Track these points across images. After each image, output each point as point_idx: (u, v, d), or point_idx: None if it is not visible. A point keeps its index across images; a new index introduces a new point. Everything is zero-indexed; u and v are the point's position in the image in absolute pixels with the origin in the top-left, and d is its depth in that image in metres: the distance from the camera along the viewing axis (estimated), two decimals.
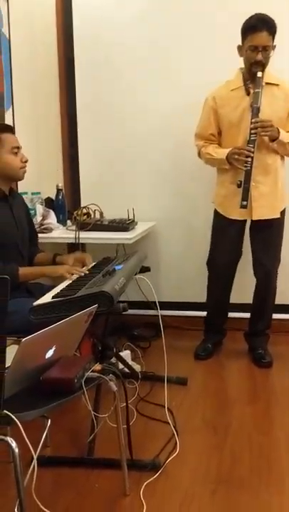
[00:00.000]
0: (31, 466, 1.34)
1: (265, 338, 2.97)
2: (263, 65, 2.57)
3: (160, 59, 3.22)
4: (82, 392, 1.48)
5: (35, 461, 1.34)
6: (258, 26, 2.51)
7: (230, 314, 3.06)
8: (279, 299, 2.99)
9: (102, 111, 3.36)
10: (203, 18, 3.11)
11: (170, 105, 3.21)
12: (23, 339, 1.33)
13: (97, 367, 1.62)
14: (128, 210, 3.02)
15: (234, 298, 3.01)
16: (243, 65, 2.67)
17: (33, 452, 1.32)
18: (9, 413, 1.30)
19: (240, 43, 2.62)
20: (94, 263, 2.36)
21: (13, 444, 1.32)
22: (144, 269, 2.43)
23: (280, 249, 2.85)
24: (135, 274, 2.25)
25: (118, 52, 3.28)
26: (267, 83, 2.62)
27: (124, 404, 1.81)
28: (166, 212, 3.31)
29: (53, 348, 1.50)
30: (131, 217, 3.00)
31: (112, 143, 3.37)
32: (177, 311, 3.32)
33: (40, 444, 1.46)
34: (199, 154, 2.84)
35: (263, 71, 2.56)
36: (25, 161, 2.27)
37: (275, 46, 2.58)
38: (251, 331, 3.00)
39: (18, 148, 2.24)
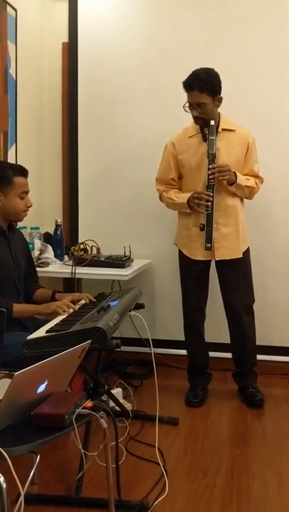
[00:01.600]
0: (18, 504, 1.33)
1: (253, 376, 2.96)
2: (202, 120, 2.68)
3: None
4: (73, 428, 1.48)
5: (22, 499, 1.33)
6: (189, 85, 2.65)
7: (218, 354, 3.07)
8: (267, 341, 3.02)
9: (102, 153, 3.45)
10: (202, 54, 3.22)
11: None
12: (16, 373, 1.34)
13: (88, 404, 1.62)
14: (124, 247, 3.07)
15: (222, 337, 3.01)
16: None
17: (20, 489, 1.31)
18: None
19: None
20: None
21: (1, 479, 1.31)
22: (139, 306, 2.45)
23: (248, 288, 2.88)
24: (129, 311, 2.27)
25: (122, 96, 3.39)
26: (223, 129, 2.74)
27: (114, 443, 1.80)
28: (162, 250, 3.35)
29: (45, 383, 1.50)
30: (127, 254, 3.05)
31: (112, 184, 3.45)
32: (171, 350, 3.32)
33: (28, 481, 1.45)
34: (161, 198, 2.91)
35: (206, 124, 2.66)
36: (29, 206, 2.32)
37: (219, 98, 2.69)
38: (238, 370, 3.00)
39: (27, 192, 2.31)
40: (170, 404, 2.80)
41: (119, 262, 2.92)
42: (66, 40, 3.44)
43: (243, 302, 2.88)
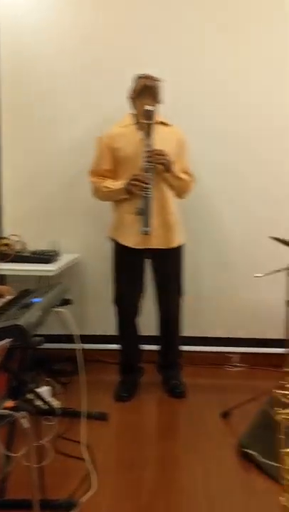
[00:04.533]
0: None
1: (177, 368, 3.01)
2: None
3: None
4: None
5: None
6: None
7: (149, 347, 3.08)
8: (193, 332, 3.07)
9: (27, 146, 3.34)
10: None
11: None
12: None
13: (10, 404, 1.56)
14: (52, 241, 3.00)
15: (146, 330, 3.03)
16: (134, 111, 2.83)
17: None
18: None
19: None
20: (12, 296, 2.30)
21: None
22: (66, 302, 2.40)
23: (179, 281, 2.92)
24: (55, 307, 2.22)
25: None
26: (160, 122, 2.77)
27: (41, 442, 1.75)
28: (92, 245, 3.31)
29: None
30: (55, 248, 2.98)
31: (38, 176, 3.36)
32: (102, 345, 3.30)
33: None
34: (95, 191, 2.88)
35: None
36: None
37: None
38: (163, 362, 3.03)
39: None
40: (101, 399, 2.78)
41: (45, 257, 2.85)
42: None
43: (174, 294, 2.91)
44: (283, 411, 1.16)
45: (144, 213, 2.64)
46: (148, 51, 3.15)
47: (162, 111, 2.82)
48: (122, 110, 2.86)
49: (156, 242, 2.78)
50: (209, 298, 3.35)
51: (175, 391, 2.88)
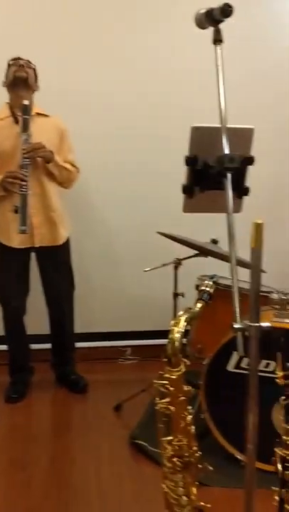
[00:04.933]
0: None
1: (73, 363, 3.01)
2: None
3: None
4: None
5: None
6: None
7: (39, 346, 3.04)
8: (85, 328, 3.08)
9: None
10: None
11: None
12: None
13: None
14: None
15: (35, 329, 2.98)
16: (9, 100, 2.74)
17: None
18: None
19: None
20: None
21: None
22: None
23: (68, 277, 2.91)
24: None
25: None
26: (37, 113, 2.70)
27: None
28: None
29: None
30: None
31: None
32: None
33: None
34: None
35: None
36: None
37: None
38: (58, 359, 3.01)
39: None
40: None
41: None
42: None
43: (64, 291, 2.89)
44: (162, 401, 1.21)
45: (21, 211, 2.53)
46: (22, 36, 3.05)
47: (40, 101, 2.74)
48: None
49: (41, 240, 2.72)
50: (98, 292, 3.37)
51: (78, 386, 2.88)
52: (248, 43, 3.24)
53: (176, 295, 2.69)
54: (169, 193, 3.36)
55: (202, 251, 2.58)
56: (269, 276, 2.48)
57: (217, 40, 1.54)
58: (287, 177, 3.45)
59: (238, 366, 2.11)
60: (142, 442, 2.26)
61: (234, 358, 2.12)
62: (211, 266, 2.55)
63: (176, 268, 2.67)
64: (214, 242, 2.61)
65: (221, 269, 2.09)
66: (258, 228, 1.23)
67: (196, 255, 2.63)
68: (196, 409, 2.26)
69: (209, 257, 2.65)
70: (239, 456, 2.11)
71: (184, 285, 2.66)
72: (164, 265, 2.65)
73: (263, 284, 2.60)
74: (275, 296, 2.25)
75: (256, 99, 3.25)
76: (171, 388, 1.19)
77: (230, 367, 2.14)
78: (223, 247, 2.39)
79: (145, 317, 3.40)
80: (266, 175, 3.11)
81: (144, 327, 3.40)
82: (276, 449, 1.28)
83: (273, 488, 1.31)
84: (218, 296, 2.48)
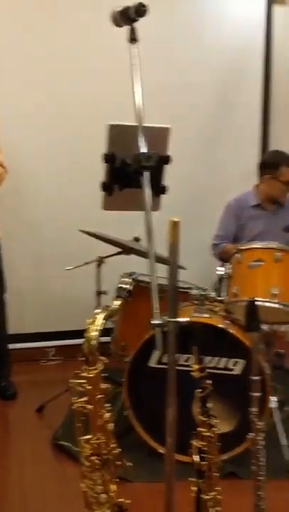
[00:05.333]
0: None
1: (8, 367, 2.92)
2: None
3: None
4: None
5: None
6: None
7: None
8: (10, 329, 3.01)
9: None
10: None
11: None
12: None
13: None
14: None
15: None
16: None
17: None
18: None
19: None
20: None
21: None
22: None
23: (1, 278, 2.85)
24: None
25: None
26: None
27: None
28: None
29: None
30: None
31: None
32: None
33: None
34: None
35: None
36: None
37: None
38: None
39: None
40: None
41: None
42: None
43: None
44: (79, 400, 1.20)
45: None
46: None
47: None
48: None
49: None
50: (21, 293, 3.29)
51: (6, 393, 2.80)
52: (169, 42, 3.29)
53: (99, 293, 2.68)
54: (92, 191, 3.36)
55: (124, 249, 2.59)
56: (189, 273, 2.55)
57: (132, 39, 1.55)
58: (203, 176, 3.54)
59: (159, 362, 2.14)
60: (66, 443, 2.23)
61: (156, 354, 2.15)
62: (135, 264, 2.57)
63: (98, 266, 2.66)
64: (136, 240, 2.64)
65: (144, 267, 2.11)
66: (175, 226, 1.25)
67: (118, 253, 2.63)
68: (119, 407, 2.28)
69: (132, 255, 2.66)
70: (162, 451, 2.14)
71: (108, 283, 2.66)
72: (86, 263, 2.63)
73: (184, 280, 2.68)
74: (194, 292, 2.31)
75: (175, 99, 3.31)
76: (89, 387, 1.18)
77: (152, 363, 2.16)
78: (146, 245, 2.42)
79: (69, 317, 3.36)
80: (184, 174, 3.17)
81: (68, 327, 3.36)
82: (192, 441, 1.31)
83: (190, 479, 1.34)
84: (141, 294, 2.52)
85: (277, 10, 3.61)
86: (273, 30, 3.59)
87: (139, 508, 1.86)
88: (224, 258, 2.79)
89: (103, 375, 2.55)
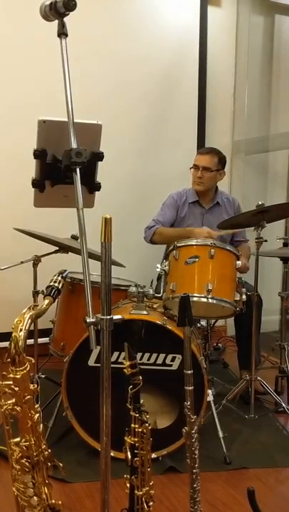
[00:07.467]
0: None
1: None
2: None
3: None
4: None
5: None
6: None
7: None
8: None
9: None
10: None
11: None
12: None
13: None
14: None
15: None
16: None
17: None
18: None
19: None
20: None
21: None
22: None
23: None
24: None
25: None
26: None
27: None
28: None
29: None
30: None
31: None
32: None
33: None
34: None
35: None
36: None
37: None
38: None
39: None
40: None
41: None
42: None
43: None
44: (7, 402, 1.17)
45: None
46: None
47: None
48: None
49: None
50: None
51: None
52: (108, 38, 3.27)
53: (35, 293, 2.63)
54: (25, 188, 3.29)
55: (61, 247, 2.55)
56: (129, 270, 2.55)
57: (61, 33, 1.52)
58: (145, 175, 3.55)
59: (98, 360, 2.13)
60: (4, 447, 2.17)
61: (94, 352, 2.13)
62: (74, 262, 2.53)
63: (35, 265, 2.61)
64: (74, 237, 2.60)
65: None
66: (107, 223, 1.24)
67: (55, 251, 2.59)
68: (57, 407, 2.24)
69: (70, 253, 2.62)
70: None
71: (45, 283, 2.60)
72: (22, 263, 2.57)
73: (123, 278, 2.67)
74: (133, 289, 2.31)
75: (114, 97, 3.30)
76: (16, 388, 1.15)
77: (91, 362, 2.15)
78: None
79: (4, 318, 3.26)
80: (125, 173, 3.18)
81: (4, 328, 3.26)
82: (125, 437, 1.30)
83: (125, 475, 1.34)
84: (80, 293, 2.49)
85: (212, 11, 3.68)
86: (209, 31, 3.67)
87: (80, 508, 1.84)
88: (155, 241, 2.85)
89: (43, 376, 2.52)
